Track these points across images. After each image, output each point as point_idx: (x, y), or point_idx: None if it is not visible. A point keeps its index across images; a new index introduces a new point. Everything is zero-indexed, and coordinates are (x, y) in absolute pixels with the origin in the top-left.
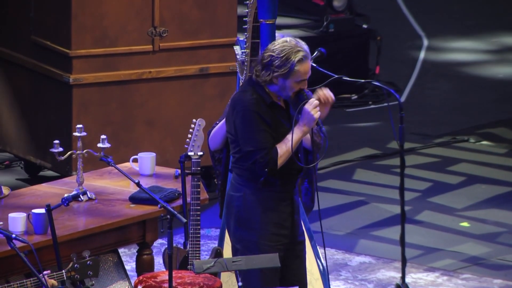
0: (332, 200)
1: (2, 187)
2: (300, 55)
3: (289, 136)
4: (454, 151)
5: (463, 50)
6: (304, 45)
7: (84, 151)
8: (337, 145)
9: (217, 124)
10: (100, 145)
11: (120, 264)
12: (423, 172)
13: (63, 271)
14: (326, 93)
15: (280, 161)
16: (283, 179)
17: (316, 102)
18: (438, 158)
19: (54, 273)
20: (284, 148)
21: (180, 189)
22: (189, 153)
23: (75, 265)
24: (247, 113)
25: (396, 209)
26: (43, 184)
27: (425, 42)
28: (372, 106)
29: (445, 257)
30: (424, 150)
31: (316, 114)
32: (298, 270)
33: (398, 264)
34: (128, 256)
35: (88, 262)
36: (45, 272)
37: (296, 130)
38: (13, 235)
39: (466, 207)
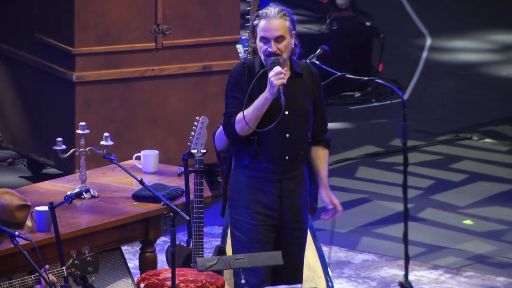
0: None
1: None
2: (261, 12)
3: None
4: (457, 149)
5: (466, 48)
6: (272, 8)
7: (87, 148)
8: (339, 143)
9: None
10: (103, 142)
11: (123, 261)
12: (426, 169)
13: (63, 267)
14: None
15: (238, 126)
16: (267, 159)
17: (279, 70)
18: (441, 155)
19: (55, 270)
20: (240, 115)
21: (183, 187)
22: (192, 151)
23: (75, 262)
24: (228, 79)
25: (399, 207)
26: (46, 182)
27: (428, 40)
28: (375, 104)
29: (448, 255)
30: (427, 147)
31: (278, 81)
32: (292, 258)
33: (401, 262)
34: (131, 254)
35: (88, 258)
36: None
37: (259, 98)
38: (16, 233)
39: (468, 204)
